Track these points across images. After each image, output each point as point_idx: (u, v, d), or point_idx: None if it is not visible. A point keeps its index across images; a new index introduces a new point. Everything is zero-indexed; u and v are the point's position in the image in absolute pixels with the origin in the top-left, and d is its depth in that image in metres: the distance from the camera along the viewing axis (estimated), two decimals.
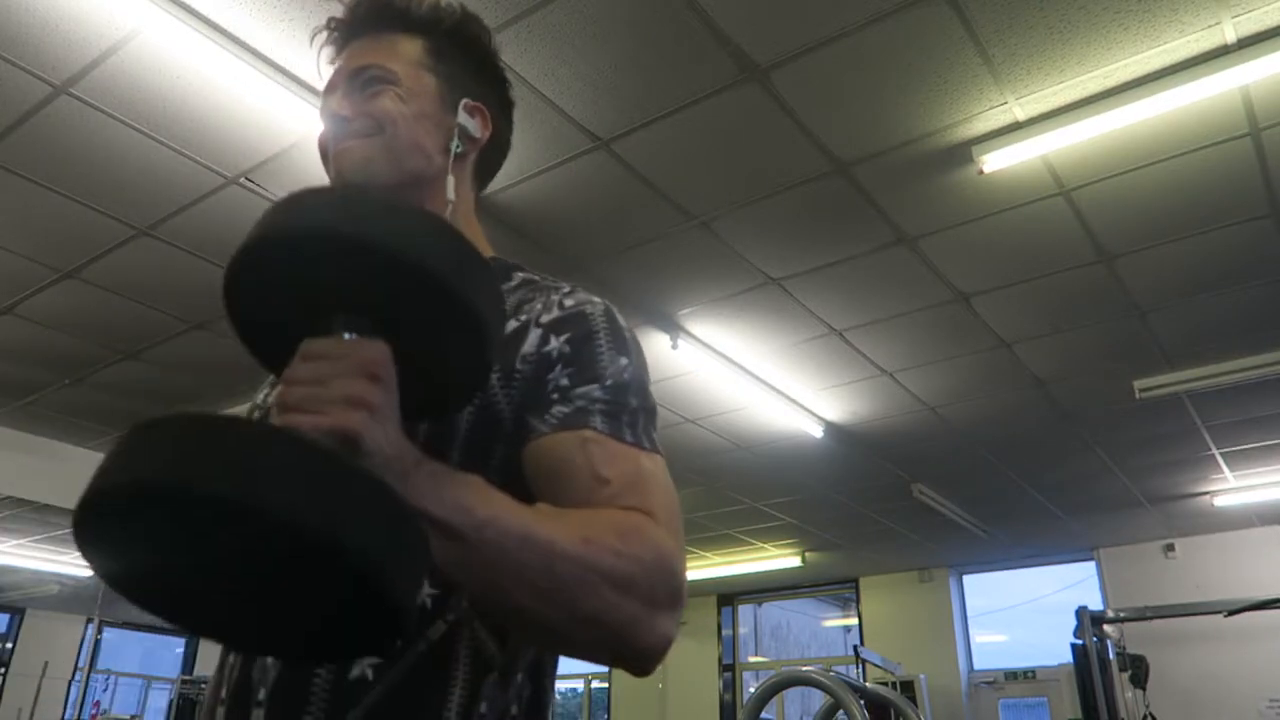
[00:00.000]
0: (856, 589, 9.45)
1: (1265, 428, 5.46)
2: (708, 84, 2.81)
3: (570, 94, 2.84)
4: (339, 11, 0.98)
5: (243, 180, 3.27)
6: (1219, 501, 6.70)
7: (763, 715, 5.17)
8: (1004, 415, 5.33)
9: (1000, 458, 6.00)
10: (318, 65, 0.97)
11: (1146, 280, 3.90)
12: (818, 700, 6.76)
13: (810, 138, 3.05)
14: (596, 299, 0.87)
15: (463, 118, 0.94)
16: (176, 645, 12.13)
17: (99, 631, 10.26)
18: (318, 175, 0.89)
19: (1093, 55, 2.69)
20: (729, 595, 10.11)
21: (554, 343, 0.81)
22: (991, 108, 2.90)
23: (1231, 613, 5.71)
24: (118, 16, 2.54)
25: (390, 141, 0.89)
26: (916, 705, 6.70)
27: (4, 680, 9.72)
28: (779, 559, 8.63)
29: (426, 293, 0.62)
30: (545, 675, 0.83)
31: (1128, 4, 2.50)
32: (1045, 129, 2.92)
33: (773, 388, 4.97)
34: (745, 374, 4.80)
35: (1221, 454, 5.90)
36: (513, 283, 0.91)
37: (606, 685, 10.84)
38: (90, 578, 7.61)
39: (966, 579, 9.10)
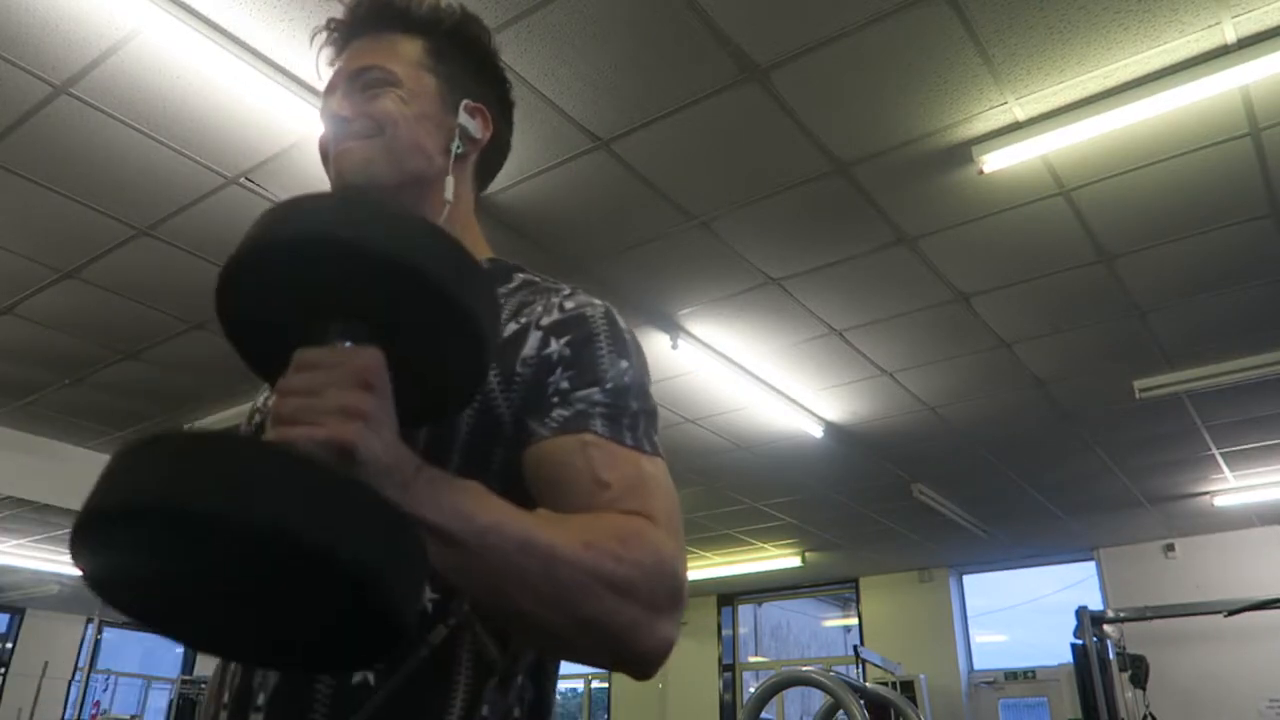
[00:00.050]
0: (856, 589, 9.45)
1: (1265, 428, 5.46)
2: (708, 84, 2.80)
3: (570, 94, 2.84)
4: (339, 12, 0.97)
5: (243, 180, 3.27)
6: (1219, 501, 6.70)
7: (763, 715, 5.17)
8: (1004, 415, 5.33)
9: (1000, 458, 6.00)
10: (317, 66, 0.97)
11: (1146, 280, 3.90)
12: (818, 700, 6.76)
13: (810, 138, 3.05)
14: (597, 301, 0.86)
15: (463, 118, 0.94)
16: (176, 645, 12.11)
17: (99, 631, 10.27)
18: (318, 175, 0.89)
19: (1093, 55, 2.69)
20: (729, 595, 10.11)
21: (554, 345, 0.81)
22: (991, 108, 2.90)
23: (1231, 613, 5.71)
24: (118, 16, 2.54)
25: (390, 143, 0.89)
26: (916, 705, 6.71)
27: (4, 680, 9.72)
28: (779, 559, 8.62)
29: (421, 297, 0.62)
30: (547, 677, 0.82)
31: (1128, 4, 2.50)
32: (1045, 129, 2.92)
33: (773, 388, 4.97)
34: (745, 374, 4.80)
35: (1221, 454, 5.90)
36: (513, 284, 0.91)
37: (606, 685, 10.84)
38: None
39: (966, 579, 9.10)
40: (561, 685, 12.29)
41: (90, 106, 2.89)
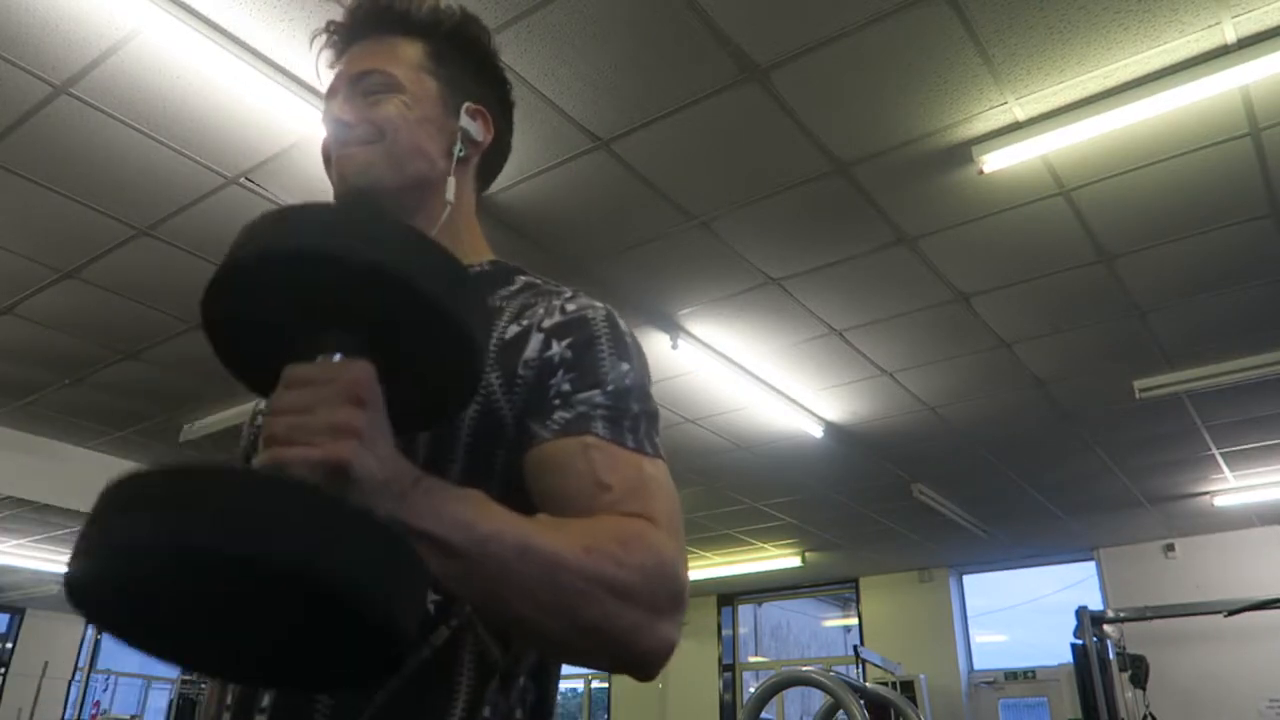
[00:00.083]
0: (856, 589, 9.45)
1: (1265, 428, 5.46)
2: (708, 84, 2.80)
3: (570, 94, 2.84)
4: (339, 12, 0.97)
5: (243, 180, 3.27)
6: (1219, 501, 6.69)
7: (763, 715, 5.17)
8: (1004, 415, 5.33)
9: (1000, 458, 6.00)
10: (317, 68, 0.97)
11: (1146, 280, 3.90)
12: (818, 700, 6.76)
13: (810, 138, 3.05)
14: (598, 304, 0.86)
15: (465, 121, 0.94)
16: None
17: (99, 631, 10.25)
18: (318, 175, 0.89)
19: (1093, 55, 2.68)
20: (729, 595, 10.11)
21: (556, 348, 0.81)
22: (991, 108, 2.90)
23: (1231, 613, 5.71)
24: (118, 16, 2.54)
25: (392, 148, 0.89)
26: (916, 705, 6.71)
27: (4, 680, 9.72)
28: (779, 559, 8.62)
29: (411, 309, 0.62)
30: (549, 678, 0.83)
31: (1128, 4, 2.50)
32: (1045, 129, 2.92)
33: (773, 388, 4.97)
34: (745, 374, 4.80)
35: (1221, 454, 5.90)
36: (514, 286, 0.91)
37: (606, 685, 10.85)
38: None
39: (966, 579, 9.10)
40: (561, 685, 12.27)
41: (90, 106, 2.89)
